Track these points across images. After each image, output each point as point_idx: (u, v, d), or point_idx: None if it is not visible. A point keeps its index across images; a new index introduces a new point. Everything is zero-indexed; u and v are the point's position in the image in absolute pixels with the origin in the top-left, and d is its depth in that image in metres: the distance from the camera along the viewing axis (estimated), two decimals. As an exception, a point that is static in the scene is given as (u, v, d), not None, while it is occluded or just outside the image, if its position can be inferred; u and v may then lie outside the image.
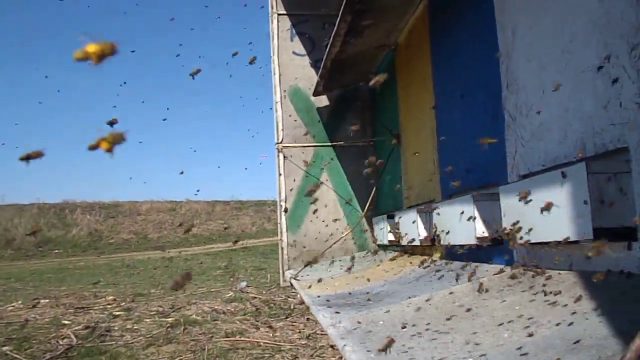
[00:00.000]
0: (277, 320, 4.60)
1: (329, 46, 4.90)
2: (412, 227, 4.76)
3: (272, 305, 5.41)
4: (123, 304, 5.90)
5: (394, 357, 1.91)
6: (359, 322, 2.64)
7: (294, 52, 6.92)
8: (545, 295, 2.26)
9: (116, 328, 4.47)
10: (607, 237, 2.15)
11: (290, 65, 6.94)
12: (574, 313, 1.91)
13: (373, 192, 6.40)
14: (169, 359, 3.45)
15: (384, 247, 6.22)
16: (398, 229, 5.38)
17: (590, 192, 2.15)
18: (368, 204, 6.41)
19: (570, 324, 1.82)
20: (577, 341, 1.63)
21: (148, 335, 4.11)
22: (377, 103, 6.86)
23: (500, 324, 2.11)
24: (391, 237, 5.68)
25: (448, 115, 4.26)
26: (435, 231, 4.19)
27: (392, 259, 5.48)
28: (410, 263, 4.87)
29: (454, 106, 4.10)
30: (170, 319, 4.74)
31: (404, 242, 5.16)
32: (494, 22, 3.27)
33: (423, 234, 4.63)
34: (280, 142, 6.86)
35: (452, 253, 4.14)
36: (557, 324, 1.87)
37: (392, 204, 6.16)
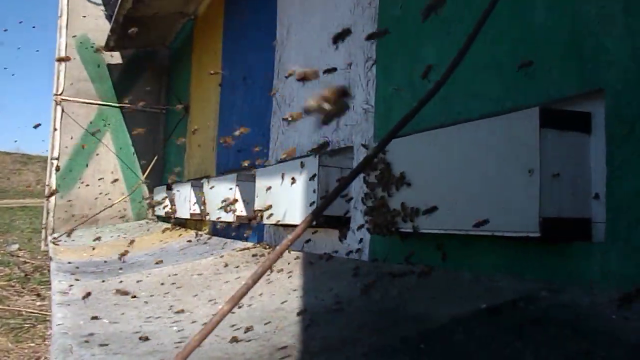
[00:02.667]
0: (47, 287, 4.18)
1: (120, 0, 4.61)
2: (186, 200, 4.75)
3: (46, 271, 4.90)
4: None
5: (104, 325, 1.89)
6: (92, 290, 2.55)
7: (88, -1, 6.34)
8: (270, 272, 2.44)
9: None
10: (328, 223, 2.42)
11: (82, 12, 6.33)
12: (283, 289, 2.11)
13: (154, 161, 6.22)
14: None
15: (161, 218, 6.10)
16: (174, 201, 5.32)
17: (319, 182, 2.38)
18: (147, 171, 6.21)
19: (276, 298, 2.00)
20: (272, 313, 1.81)
21: None
22: (174, 70, 6.67)
23: (223, 296, 2.23)
24: (168, 208, 5.59)
25: (231, 94, 4.33)
26: (204, 206, 4.24)
27: (164, 231, 5.41)
28: (180, 236, 4.87)
29: (236, 87, 4.18)
30: None
31: (178, 214, 5.13)
32: (276, 10, 3.40)
33: (195, 208, 4.65)
34: (60, 94, 6.23)
35: (217, 229, 4.25)
36: (266, 298, 2.04)
37: (176, 175, 6.06)
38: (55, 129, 6.27)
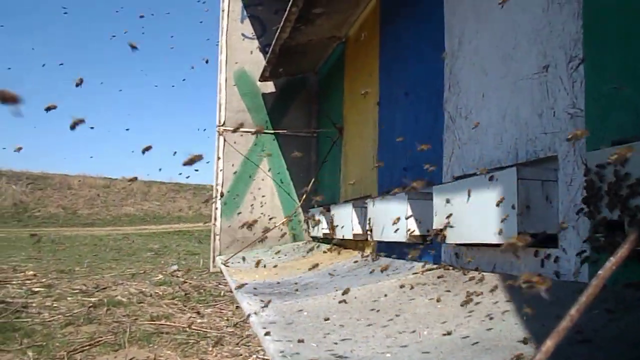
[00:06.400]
0: (205, 306, 4.49)
1: (278, 31, 4.80)
2: (347, 221, 4.76)
3: (202, 291, 5.27)
4: (44, 280, 5.59)
5: (314, 349, 1.87)
6: (283, 312, 2.59)
7: (243, 35, 6.76)
8: (467, 295, 2.28)
9: (34, 305, 4.21)
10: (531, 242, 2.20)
11: (239, 48, 6.77)
12: (492, 314, 1.94)
13: (311, 184, 6.37)
14: (88, 339, 3.28)
15: (318, 240, 6.20)
16: (333, 222, 5.36)
17: (518, 197, 2.19)
18: (305, 195, 6.37)
19: (488, 325, 1.84)
20: (494, 342, 1.65)
21: (67, 314, 3.90)
22: (324, 94, 6.83)
23: (422, 321, 2.11)
24: (326, 230, 5.66)
25: (391, 112, 4.27)
26: (369, 226, 4.19)
27: (325, 252, 5.48)
28: (342, 256, 4.88)
29: (397, 103, 4.11)
30: (94, 298, 4.53)
31: (338, 235, 5.16)
32: (443, 22, 3.28)
33: (357, 228, 4.63)
34: (222, 125, 6.69)
35: (384, 249, 4.17)
36: (476, 325, 1.89)
37: (330, 196, 6.15)
38: (218, 158, 6.73)
